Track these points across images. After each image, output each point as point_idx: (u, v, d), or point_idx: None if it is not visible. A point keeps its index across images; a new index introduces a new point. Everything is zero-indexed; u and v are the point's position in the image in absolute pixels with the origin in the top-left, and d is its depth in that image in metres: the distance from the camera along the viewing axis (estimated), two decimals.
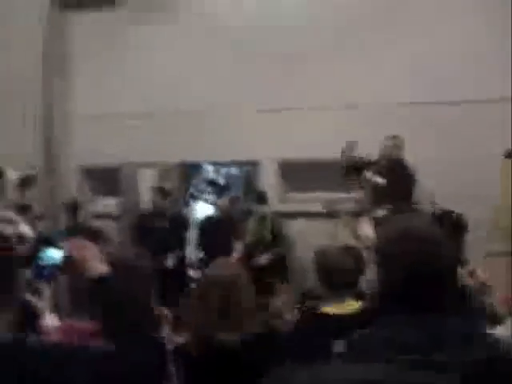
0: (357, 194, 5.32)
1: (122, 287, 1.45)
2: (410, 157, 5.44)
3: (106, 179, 7.06)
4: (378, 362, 1.11)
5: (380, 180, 5.18)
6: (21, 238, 4.19)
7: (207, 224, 6.08)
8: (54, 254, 1.76)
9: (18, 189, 7.97)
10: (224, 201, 6.05)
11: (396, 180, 5.13)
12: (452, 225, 3.37)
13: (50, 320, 1.93)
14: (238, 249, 5.51)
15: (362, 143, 5.40)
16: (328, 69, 6.26)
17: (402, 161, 5.41)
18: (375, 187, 5.20)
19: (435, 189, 5.14)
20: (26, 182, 7.86)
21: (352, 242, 3.62)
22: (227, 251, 4.98)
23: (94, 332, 1.44)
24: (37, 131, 7.13)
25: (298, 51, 6.31)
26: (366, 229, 4.23)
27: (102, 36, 7.13)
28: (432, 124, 5.79)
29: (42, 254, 1.78)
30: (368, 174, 5.24)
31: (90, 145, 6.95)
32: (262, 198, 5.96)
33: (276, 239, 5.70)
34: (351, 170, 5.38)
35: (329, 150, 5.85)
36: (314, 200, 6.31)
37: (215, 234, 5.73)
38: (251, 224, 5.80)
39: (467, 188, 5.28)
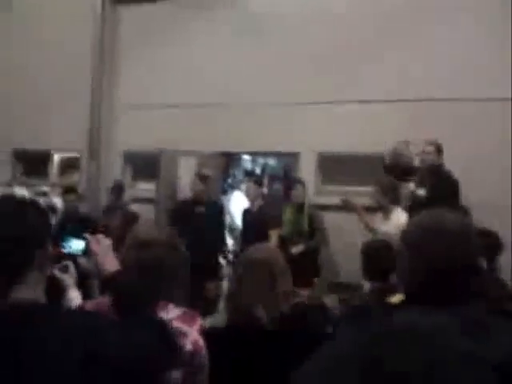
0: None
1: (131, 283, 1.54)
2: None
3: (146, 165, 7.22)
4: None
5: (423, 192, 4.91)
6: (52, 209, 4.33)
7: (243, 213, 6.12)
8: (75, 245, 1.82)
9: (62, 171, 8.25)
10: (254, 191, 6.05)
11: (438, 190, 4.82)
12: (488, 245, 3.25)
13: (75, 296, 1.99)
14: (273, 238, 5.53)
15: (399, 138, 5.38)
16: (369, 62, 6.23)
17: (443, 168, 5.15)
18: (415, 198, 4.94)
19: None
20: (69, 165, 8.13)
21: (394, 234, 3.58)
22: (262, 240, 4.99)
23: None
24: (84, 117, 7.34)
25: (339, 44, 6.32)
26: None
27: (151, 29, 7.34)
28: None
29: (65, 242, 1.84)
30: (411, 186, 5.02)
31: (134, 132, 7.17)
32: (302, 186, 5.92)
33: (313, 231, 5.67)
34: (397, 171, 5.21)
35: (368, 144, 5.82)
36: (351, 194, 6.32)
37: (250, 222, 5.77)
38: (288, 213, 5.79)
39: None
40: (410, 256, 1.32)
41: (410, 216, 4.25)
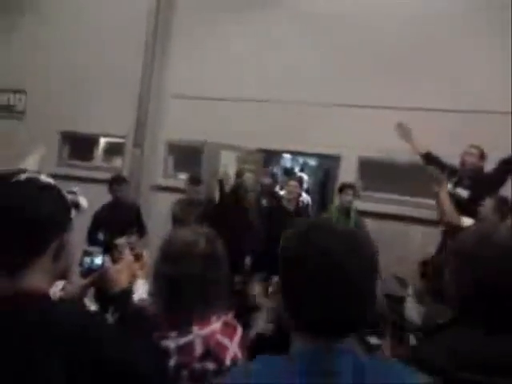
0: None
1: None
2: None
3: (189, 156, 7.34)
4: None
5: (464, 192, 4.79)
6: (76, 205, 4.49)
7: (273, 210, 6.16)
8: (95, 261, 1.82)
9: (107, 155, 8.44)
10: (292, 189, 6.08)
11: (482, 191, 4.59)
12: None
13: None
14: None
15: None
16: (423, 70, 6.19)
17: (484, 171, 4.97)
18: (458, 200, 4.87)
19: None
20: (114, 150, 8.31)
21: None
22: None
23: None
24: (132, 105, 7.50)
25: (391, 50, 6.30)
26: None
27: (204, 22, 7.43)
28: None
29: (85, 257, 1.84)
30: (449, 186, 4.91)
31: (179, 122, 7.32)
32: (353, 191, 5.93)
33: None
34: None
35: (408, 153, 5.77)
36: (387, 201, 6.33)
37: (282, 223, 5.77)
38: (332, 213, 5.83)
39: None
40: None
41: None
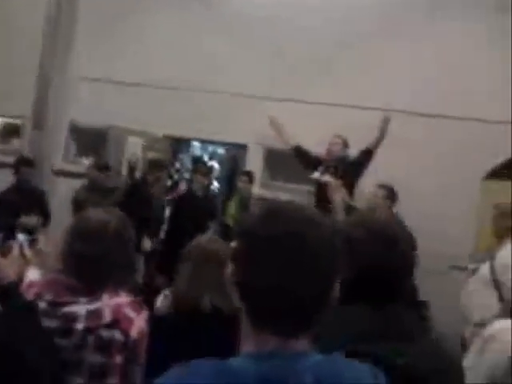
0: None
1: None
2: None
3: (93, 141, 7.08)
4: None
5: (331, 179, 5.05)
6: None
7: (184, 201, 6.09)
8: None
9: (3, 137, 7.95)
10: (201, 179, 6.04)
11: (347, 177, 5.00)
12: None
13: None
14: (213, 228, 5.59)
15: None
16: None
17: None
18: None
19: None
20: (10, 130, 7.84)
21: None
22: (202, 230, 5.01)
23: None
24: (31, 85, 7.09)
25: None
26: None
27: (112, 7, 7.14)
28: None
29: None
30: (316, 174, 5.30)
31: (84, 106, 6.98)
32: (249, 178, 6.02)
33: None
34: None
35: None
36: (294, 190, 6.47)
37: (190, 211, 5.74)
38: (232, 205, 5.86)
39: None
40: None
41: None
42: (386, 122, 5.03)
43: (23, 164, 5.59)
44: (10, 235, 1.92)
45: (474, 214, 5.60)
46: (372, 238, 1.34)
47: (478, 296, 3.53)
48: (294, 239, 0.95)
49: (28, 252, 1.86)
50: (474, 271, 3.77)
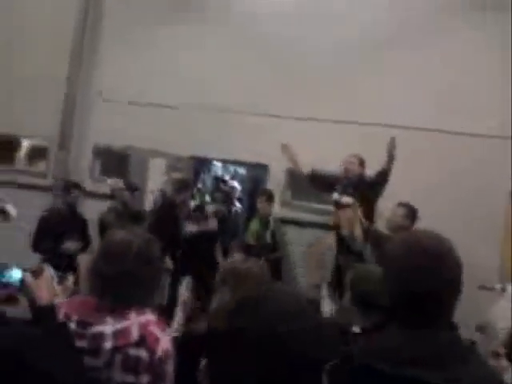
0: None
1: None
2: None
3: (116, 162, 7.19)
4: None
5: (349, 200, 5.06)
6: (4, 215, 4.37)
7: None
8: (14, 275, 1.84)
9: (29, 158, 8.09)
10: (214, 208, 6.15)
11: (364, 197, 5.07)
12: None
13: None
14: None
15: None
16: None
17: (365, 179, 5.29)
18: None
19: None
20: (37, 153, 7.98)
21: None
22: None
23: None
24: (57, 107, 7.24)
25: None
26: None
27: (137, 23, 7.31)
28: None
29: (5, 271, 1.86)
30: (335, 195, 5.31)
31: (108, 128, 7.11)
32: (268, 197, 6.04)
33: (275, 244, 5.79)
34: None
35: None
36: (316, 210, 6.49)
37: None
38: (254, 225, 5.88)
39: None
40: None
41: None
42: (392, 144, 4.76)
43: (73, 187, 5.66)
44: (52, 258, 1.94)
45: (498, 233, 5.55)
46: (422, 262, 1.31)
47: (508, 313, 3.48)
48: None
49: (57, 287, 1.87)
50: (503, 290, 3.73)
